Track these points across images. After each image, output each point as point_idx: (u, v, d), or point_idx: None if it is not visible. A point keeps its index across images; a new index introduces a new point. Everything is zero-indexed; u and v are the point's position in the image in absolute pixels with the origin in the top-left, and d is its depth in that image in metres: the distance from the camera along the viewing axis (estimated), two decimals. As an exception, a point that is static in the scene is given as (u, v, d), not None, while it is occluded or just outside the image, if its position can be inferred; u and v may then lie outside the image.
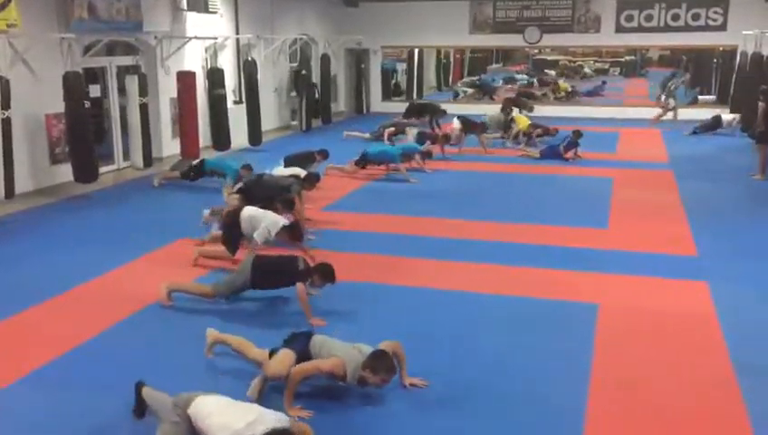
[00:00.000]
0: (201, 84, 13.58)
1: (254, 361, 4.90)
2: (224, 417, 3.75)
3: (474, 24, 20.77)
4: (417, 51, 24.47)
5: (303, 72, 17.46)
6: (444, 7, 20.34)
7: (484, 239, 8.45)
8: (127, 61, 12.49)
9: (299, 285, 5.90)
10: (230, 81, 14.79)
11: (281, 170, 9.92)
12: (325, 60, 18.55)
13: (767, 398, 4.76)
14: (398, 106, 22.17)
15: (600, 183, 11.61)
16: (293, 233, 7.06)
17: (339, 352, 4.67)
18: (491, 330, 5.83)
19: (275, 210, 7.68)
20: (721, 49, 21.29)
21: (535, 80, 27.65)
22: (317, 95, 18.36)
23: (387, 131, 14.97)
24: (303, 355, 4.70)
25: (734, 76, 18.24)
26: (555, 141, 14.31)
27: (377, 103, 22.14)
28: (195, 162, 11.12)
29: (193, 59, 13.82)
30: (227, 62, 14.99)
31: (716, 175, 12.35)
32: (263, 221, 7.07)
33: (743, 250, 8.09)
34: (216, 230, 8.01)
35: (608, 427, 4.39)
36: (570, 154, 13.58)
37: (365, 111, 21.49)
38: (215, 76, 13.59)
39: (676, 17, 19.18)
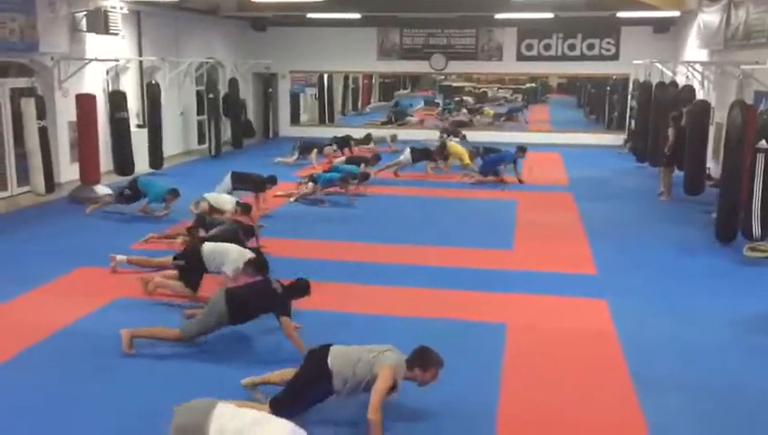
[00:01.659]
0: (102, 107, 13.13)
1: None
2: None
3: (381, 50, 21.09)
4: (326, 76, 24.58)
5: (211, 95, 17.19)
6: (352, 33, 20.56)
7: (391, 262, 8.52)
8: (21, 83, 11.94)
9: (284, 320, 5.67)
10: (133, 104, 14.38)
11: (222, 191, 10.39)
12: (233, 83, 18.33)
13: (663, 408, 4.99)
14: (306, 131, 22.24)
15: (505, 206, 11.95)
16: (259, 264, 6.78)
17: (381, 360, 4.54)
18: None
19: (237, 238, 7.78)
20: (614, 78, 22.50)
21: (465, 109, 27.96)
22: (245, 116, 18.21)
23: (312, 155, 15.60)
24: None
25: (628, 104, 19.29)
26: (492, 158, 14.47)
27: (285, 127, 22.04)
28: (129, 183, 10.65)
29: (93, 81, 13.35)
30: (130, 85, 14.58)
31: (613, 196, 12.96)
32: (229, 254, 6.89)
33: (639, 267, 8.50)
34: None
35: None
36: (512, 177, 13.79)
37: (272, 135, 21.34)
38: (116, 99, 13.17)
39: (572, 47, 20.12)
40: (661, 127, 13.50)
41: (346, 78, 28.47)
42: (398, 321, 6.57)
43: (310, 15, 18.44)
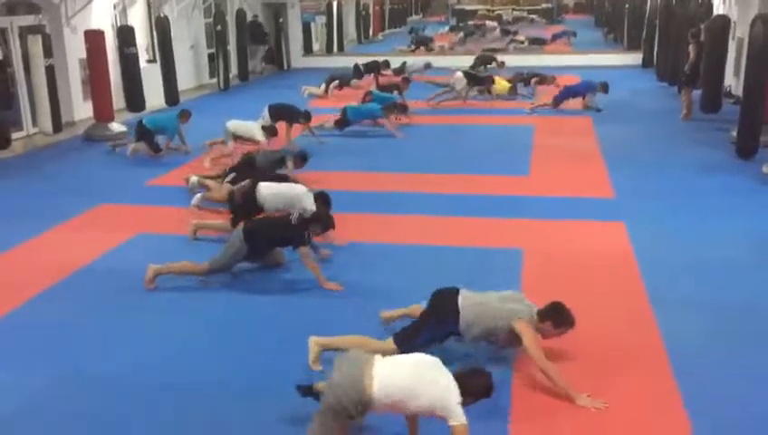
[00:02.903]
0: (111, 43, 12.99)
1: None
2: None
3: (391, -26, 20.53)
4: (335, 3, 24.04)
5: (219, 27, 16.92)
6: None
7: (408, 191, 8.52)
8: (29, 20, 11.80)
9: (302, 250, 5.70)
10: (142, 39, 14.20)
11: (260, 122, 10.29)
12: (241, 14, 18.00)
13: (679, 325, 5.05)
14: (319, 61, 21.92)
15: (522, 131, 11.81)
16: (327, 198, 6.74)
17: (511, 308, 4.47)
18: (419, 280, 5.90)
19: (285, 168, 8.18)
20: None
21: (496, 32, 27.00)
22: (270, 44, 18.18)
23: (333, 86, 15.35)
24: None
25: (646, 22, 18.74)
26: (572, 88, 13.86)
27: (297, 59, 21.72)
28: (136, 128, 10.55)
29: (101, 17, 13.18)
30: (138, 20, 14.37)
31: (631, 118, 12.75)
32: (297, 195, 6.78)
33: (658, 189, 8.44)
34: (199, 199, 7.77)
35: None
36: (587, 100, 13.43)
37: (286, 66, 21.06)
38: (125, 34, 13.00)
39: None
40: (681, 45, 13.16)
41: (357, 5, 27.87)
42: (414, 249, 6.63)
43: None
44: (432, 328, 4.55)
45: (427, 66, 17.75)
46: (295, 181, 7.60)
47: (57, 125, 11.35)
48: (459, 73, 14.44)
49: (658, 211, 7.59)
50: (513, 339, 4.45)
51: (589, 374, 4.44)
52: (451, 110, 13.90)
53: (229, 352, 4.85)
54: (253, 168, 8.29)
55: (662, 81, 15.93)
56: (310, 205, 6.60)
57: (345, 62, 22.03)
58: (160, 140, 10.45)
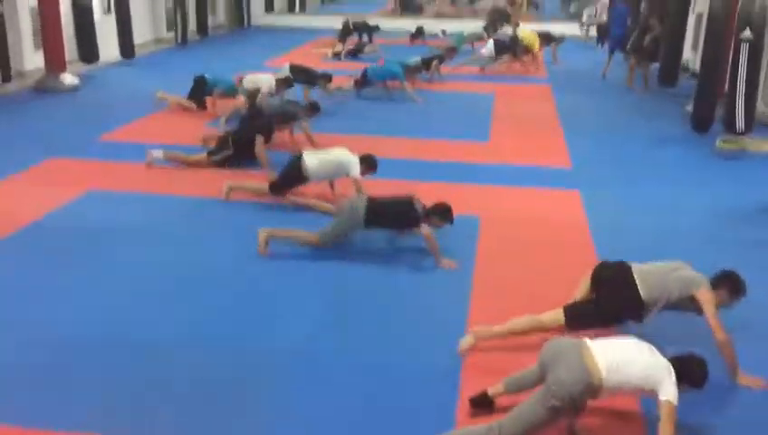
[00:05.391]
0: (64, -8, 12.49)
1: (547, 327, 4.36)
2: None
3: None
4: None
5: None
6: None
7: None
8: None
9: (425, 228, 5.55)
10: (98, -12, 13.72)
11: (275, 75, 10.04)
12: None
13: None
14: (281, 20, 21.52)
15: (482, 98, 11.81)
16: (373, 161, 6.62)
17: (691, 276, 4.29)
18: (376, 244, 5.92)
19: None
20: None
21: None
22: None
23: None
24: None
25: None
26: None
27: (259, 16, 21.26)
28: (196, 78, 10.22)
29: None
30: (93, -32, 13.83)
31: (590, 89, 12.87)
32: (345, 159, 6.57)
33: (614, 159, 8.58)
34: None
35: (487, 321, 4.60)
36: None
37: (246, 23, 20.62)
38: (79, -17, 12.52)
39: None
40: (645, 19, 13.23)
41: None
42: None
43: None
44: (609, 306, 4.36)
45: (444, 32, 17.75)
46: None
47: (6, 75, 10.97)
48: (490, 43, 14.34)
49: (614, 181, 7.72)
50: (689, 307, 4.29)
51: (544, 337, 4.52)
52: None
53: (181, 306, 4.81)
54: (261, 116, 8.19)
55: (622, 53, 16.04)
56: (356, 171, 6.50)
57: (308, 22, 21.71)
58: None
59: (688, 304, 4.30)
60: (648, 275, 4.35)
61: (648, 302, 4.30)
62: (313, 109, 8.52)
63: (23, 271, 5.29)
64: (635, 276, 4.34)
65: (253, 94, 9.37)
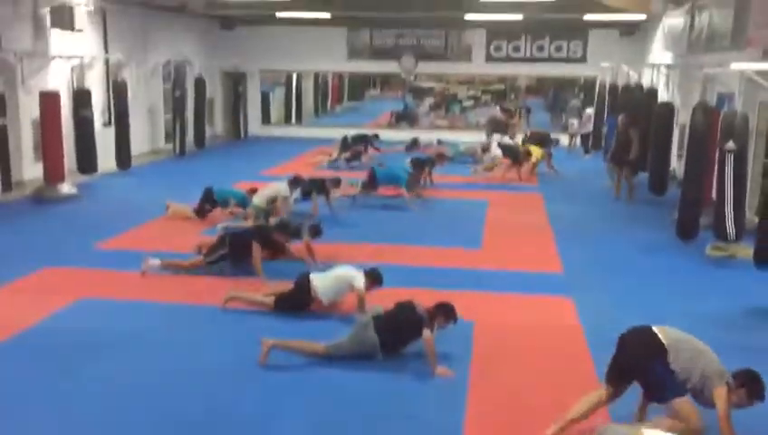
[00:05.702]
0: (67, 105, 12.91)
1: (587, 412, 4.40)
2: None
3: (351, 49, 21.08)
4: (295, 75, 24.45)
5: (178, 93, 16.98)
6: (322, 33, 20.50)
7: (363, 261, 8.48)
8: (-17, 80, 11.69)
9: (426, 333, 5.49)
10: (99, 101, 14.17)
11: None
12: (200, 82, 18.13)
13: (625, 402, 5.05)
14: (277, 131, 22.13)
15: (475, 205, 12.00)
16: (377, 275, 6.65)
17: (720, 370, 4.21)
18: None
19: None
20: (582, 80, 22.74)
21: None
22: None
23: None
24: None
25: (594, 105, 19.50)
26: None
27: (256, 127, 21.88)
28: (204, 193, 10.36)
29: (58, 78, 13.12)
30: (96, 83, 14.35)
31: (581, 197, 13.11)
32: (348, 276, 6.64)
33: (605, 266, 8.62)
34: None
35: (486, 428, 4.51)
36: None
37: (243, 135, 21.18)
38: (81, 97, 12.95)
39: (540, 48, 20.33)
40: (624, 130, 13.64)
41: (316, 78, 28.38)
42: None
43: (279, 15, 18.33)
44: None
45: (439, 142, 18.38)
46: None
47: (7, 184, 11.14)
48: (497, 150, 15.02)
49: (605, 288, 7.74)
50: (703, 398, 4.17)
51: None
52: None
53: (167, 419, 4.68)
54: (269, 234, 8.17)
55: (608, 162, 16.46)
56: (360, 284, 6.51)
57: (303, 133, 22.35)
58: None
59: (699, 395, 4.18)
60: (686, 346, 4.33)
61: (679, 375, 4.20)
62: (315, 232, 8.35)
63: (6, 380, 5.19)
64: (664, 338, 4.34)
65: (263, 212, 9.57)
